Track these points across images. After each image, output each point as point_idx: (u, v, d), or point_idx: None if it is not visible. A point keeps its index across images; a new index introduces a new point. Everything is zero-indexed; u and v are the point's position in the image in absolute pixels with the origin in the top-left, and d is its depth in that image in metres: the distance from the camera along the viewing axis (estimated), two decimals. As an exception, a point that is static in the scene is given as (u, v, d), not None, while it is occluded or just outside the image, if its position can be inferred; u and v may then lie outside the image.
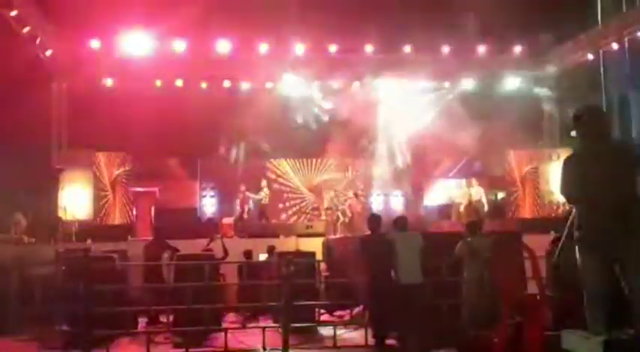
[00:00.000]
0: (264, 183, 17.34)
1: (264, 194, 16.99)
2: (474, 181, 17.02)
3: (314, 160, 19.64)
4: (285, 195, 19.33)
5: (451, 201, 17.74)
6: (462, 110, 17.57)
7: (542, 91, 19.37)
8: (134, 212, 16.54)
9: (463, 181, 18.21)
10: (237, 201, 17.04)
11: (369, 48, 17.68)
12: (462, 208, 16.74)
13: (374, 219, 8.86)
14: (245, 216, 16.66)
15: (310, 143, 18.80)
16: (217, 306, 9.56)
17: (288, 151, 19.45)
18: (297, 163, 19.70)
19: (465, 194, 16.95)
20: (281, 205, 19.11)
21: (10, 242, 12.98)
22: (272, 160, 19.43)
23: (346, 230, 16.39)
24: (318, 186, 19.49)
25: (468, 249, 8.22)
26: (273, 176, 19.09)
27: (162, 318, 9.77)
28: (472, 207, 16.65)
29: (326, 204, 17.79)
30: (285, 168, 19.60)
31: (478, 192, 16.72)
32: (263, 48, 17.12)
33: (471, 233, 8.65)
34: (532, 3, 15.34)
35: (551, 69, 19.02)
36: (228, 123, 17.39)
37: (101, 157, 16.61)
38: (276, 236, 14.32)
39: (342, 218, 16.95)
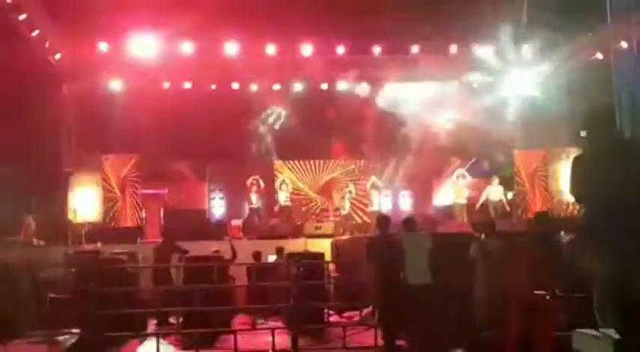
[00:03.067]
0: (284, 186, 17.33)
1: (285, 195, 16.97)
2: (494, 180, 16.88)
3: (317, 161, 19.56)
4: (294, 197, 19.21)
5: (454, 201, 17.66)
6: (471, 109, 17.47)
7: (551, 90, 19.24)
8: (143, 214, 16.57)
9: (469, 181, 18.15)
10: (254, 188, 16.99)
11: (376, 49, 17.61)
12: (477, 207, 16.71)
13: (383, 220, 8.83)
14: (256, 206, 16.68)
15: (313, 144, 18.72)
16: (227, 308, 9.58)
17: (291, 153, 19.40)
18: (300, 165, 19.57)
19: (483, 193, 16.87)
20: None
21: (20, 245, 13.03)
22: (276, 163, 19.35)
23: (356, 230, 16.36)
24: (326, 187, 19.43)
25: (480, 250, 8.19)
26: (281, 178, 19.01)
27: (172, 320, 9.79)
28: (483, 207, 16.59)
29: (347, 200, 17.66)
30: (287, 170, 19.46)
31: (497, 192, 16.63)
32: (271, 49, 17.09)
33: (485, 233, 8.62)
34: (541, 1, 15.25)
35: (560, 67, 18.89)
36: (236, 124, 17.40)
37: (110, 160, 16.66)
38: (285, 237, 14.30)
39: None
